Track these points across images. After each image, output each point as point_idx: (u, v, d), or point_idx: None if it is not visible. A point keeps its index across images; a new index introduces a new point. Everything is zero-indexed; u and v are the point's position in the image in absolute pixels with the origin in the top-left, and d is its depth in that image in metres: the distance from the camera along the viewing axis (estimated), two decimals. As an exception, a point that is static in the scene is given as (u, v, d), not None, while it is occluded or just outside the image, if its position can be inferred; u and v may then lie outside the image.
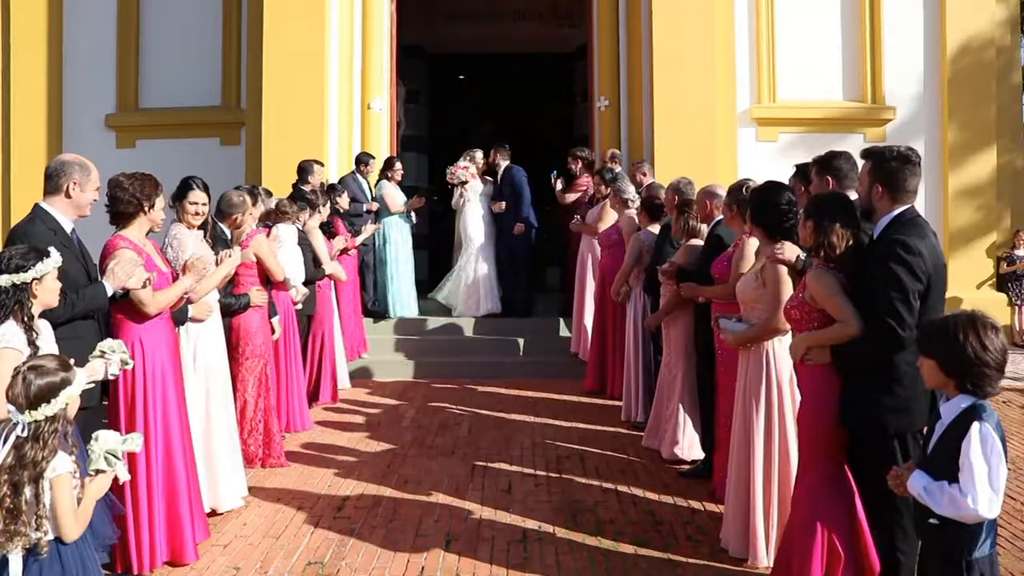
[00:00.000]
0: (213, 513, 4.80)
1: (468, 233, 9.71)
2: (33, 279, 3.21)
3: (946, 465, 2.62)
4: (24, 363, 2.71)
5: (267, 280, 5.89)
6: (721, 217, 5.38)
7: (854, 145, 10.45)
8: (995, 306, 11.04)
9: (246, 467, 5.49)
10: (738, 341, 4.27)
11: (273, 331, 6.07)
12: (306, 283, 6.84)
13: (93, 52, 11.26)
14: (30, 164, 11.04)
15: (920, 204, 11.33)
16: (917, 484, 2.68)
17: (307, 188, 8.04)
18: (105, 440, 2.84)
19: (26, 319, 3.21)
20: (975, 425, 2.57)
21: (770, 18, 11.04)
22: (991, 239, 11.15)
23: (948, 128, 11.05)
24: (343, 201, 8.65)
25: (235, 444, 5.11)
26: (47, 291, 3.30)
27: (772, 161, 10.44)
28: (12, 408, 2.62)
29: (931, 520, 2.68)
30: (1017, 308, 11.11)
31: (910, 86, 11.14)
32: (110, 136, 11.26)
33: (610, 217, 8.11)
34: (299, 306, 6.72)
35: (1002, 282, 11.15)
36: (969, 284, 11.08)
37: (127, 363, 3.55)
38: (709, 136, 9.75)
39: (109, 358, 3.43)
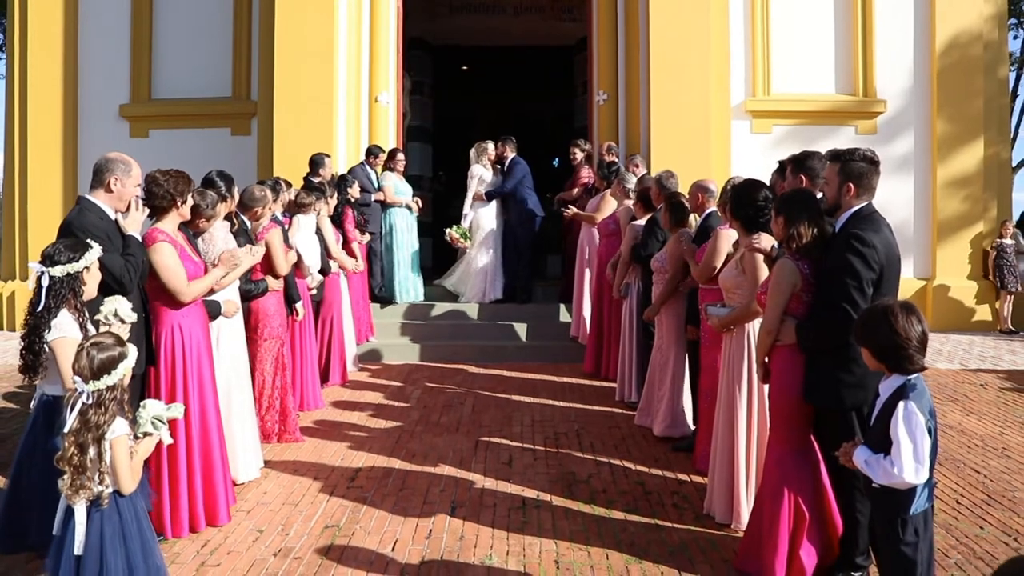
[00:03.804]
0: (232, 484, 5.10)
1: (480, 223, 10.00)
2: (84, 267, 3.56)
3: (883, 438, 2.94)
4: (86, 340, 3.08)
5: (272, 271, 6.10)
6: (712, 209, 5.77)
7: (846, 137, 10.81)
8: (979, 294, 11.40)
9: (263, 442, 5.84)
10: (722, 324, 4.62)
11: (297, 313, 6.46)
12: (320, 272, 7.20)
13: (107, 44, 11.58)
14: (47, 153, 11.43)
15: (909, 194, 11.72)
16: (859, 458, 3.02)
17: (317, 180, 8.31)
18: (152, 408, 3.22)
19: (78, 306, 3.56)
20: (901, 404, 2.89)
21: (764, 13, 11.29)
22: (977, 229, 11.43)
23: (937, 121, 11.32)
24: (354, 191, 8.90)
25: (252, 419, 5.44)
26: (93, 279, 3.66)
27: (766, 153, 10.74)
28: (78, 379, 3.00)
29: (874, 485, 3.03)
30: (1006, 296, 11.39)
31: (900, 80, 11.40)
32: (124, 126, 11.59)
33: (609, 207, 8.41)
34: (313, 291, 7.08)
35: (987, 270, 11.45)
36: (956, 272, 11.42)
37: (127, 317, 3.69)
38: (703, 129, 9.98)
39: (112, 322, 3.61)
